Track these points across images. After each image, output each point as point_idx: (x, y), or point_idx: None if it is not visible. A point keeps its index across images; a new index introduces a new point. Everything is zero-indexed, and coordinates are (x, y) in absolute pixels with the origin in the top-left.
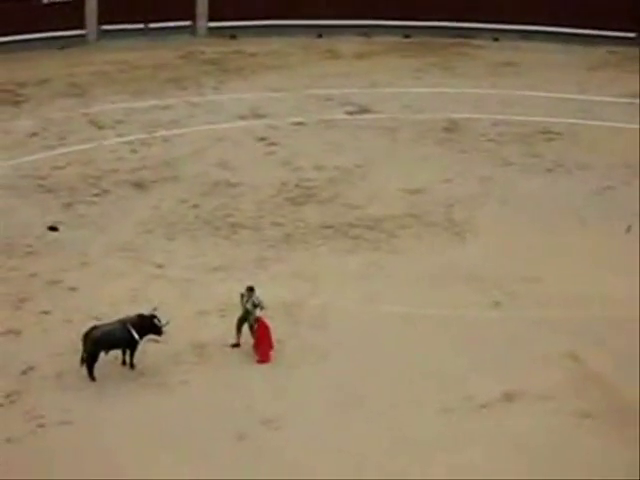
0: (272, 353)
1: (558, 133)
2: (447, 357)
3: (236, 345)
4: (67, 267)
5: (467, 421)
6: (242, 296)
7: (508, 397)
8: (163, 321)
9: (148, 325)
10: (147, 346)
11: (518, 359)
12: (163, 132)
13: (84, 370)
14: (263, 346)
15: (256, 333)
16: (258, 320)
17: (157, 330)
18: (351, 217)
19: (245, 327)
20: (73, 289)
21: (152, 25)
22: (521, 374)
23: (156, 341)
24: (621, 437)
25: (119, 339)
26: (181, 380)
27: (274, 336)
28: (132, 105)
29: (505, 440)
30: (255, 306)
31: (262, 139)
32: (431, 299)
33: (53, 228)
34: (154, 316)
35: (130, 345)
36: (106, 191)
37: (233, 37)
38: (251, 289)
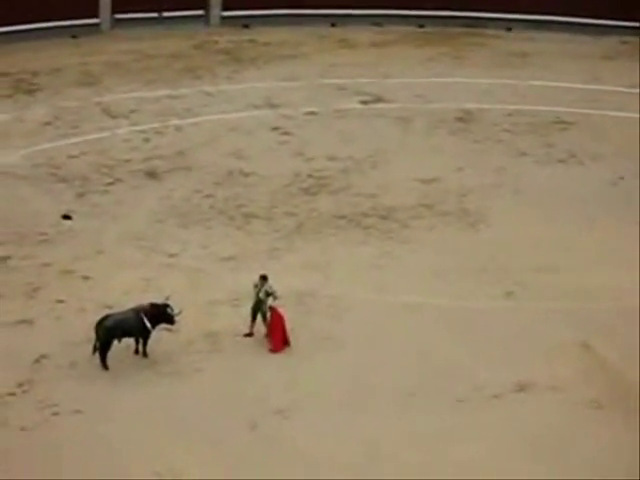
0: (284, 344)
1: (571, 123)
2: (459, 347)
3: (249, 334)
4: (80, 256)
5: (478, 411)
6: (255, 285)
7: (519, 387)
8: (176, 310)
9: (161, 314)
10: (160, 335)
11: (529, 349)
12: (176, 121)
13: (97, 359)
14: (276, 336)
15: (269, 322)
16: (272, 309)
17: (170, 319)
18: (364, 207)
19: (258, 316)
20: (86, 278)
21: (165, 14)
22: (532, 364)
23: (169, 330)
24: (630, 426)
25: (132, 328)
26: (194, 369)
27: (287, 326)
28: (145, 94)
29: (516, 430)
30: (268, 295)
31: (275, 129)
32: (443, 289)
33: (67, 217)
34: (167, 305)
35: (143, 334)
36: (119, 180)
37: (246, 26)
38: (264, 278)
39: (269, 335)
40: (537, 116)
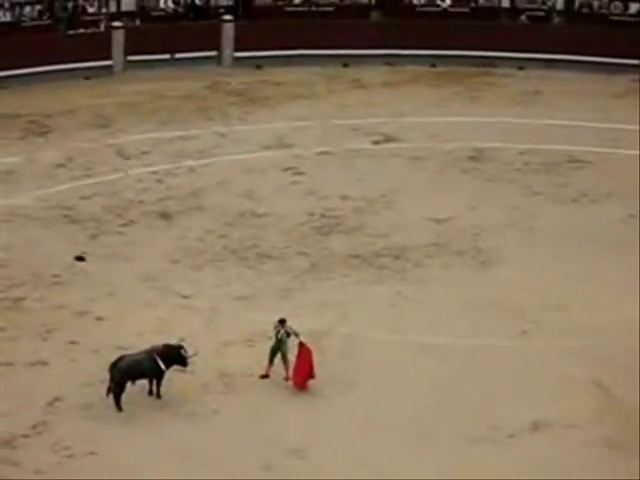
0: (309, 377)
1: (584, 162)
2: (474, 386)
3: (265, 376)
4: (94, 297)
5: (493, 451)
6: (274, 327)
7: (534, 426)
8: (190, 352)
9: (175, 355)
10: (174, 376)
11: (544, 388)
12: (189, 162)
13: (111, 400)
14: (302, 370)
15: (297, 357)
16: (301, 345)
17: (183, 361)
18: (377, 247)
19: (277, 359)
20: (100, 319)
21: (178, 55)
22: (547, 403)
23: (182, 371)
24: None
25: (146, 369)
26: (208, 410)
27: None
28: (158, 135)
29: (532, 470)
30: (289, 335)
31: (288, 169)
32: (458, 328)
33: (80, 258)
34: (181, 346)
35: (157, 375)
36: (132, 221)
37: (259, 67)
38: (282, 321)
39: (295, 370)
40: (550, 155)
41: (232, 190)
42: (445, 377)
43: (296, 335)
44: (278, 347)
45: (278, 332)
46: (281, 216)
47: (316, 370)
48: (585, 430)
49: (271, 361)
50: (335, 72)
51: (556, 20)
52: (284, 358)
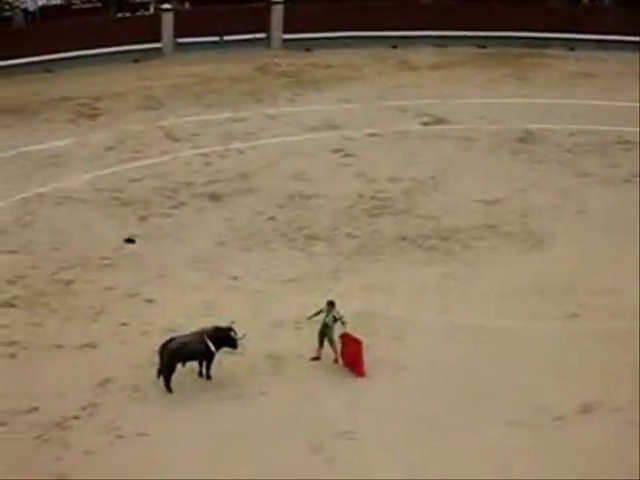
0: (365, 368)
1: (634, 143)
2: (523, 369)
3: (316, 358)
4: (143, 280)
5: (541, 433)
6: (312, 316)
7: (584, 409)
8: (239, 334)
9: (224, 337)
10: (223, 357)
11: (594, 371)
12: (238, 144)
13: (161, 382)
14: (356, 362)
15: (345, 350)
16: (346, 336)
17: (233, 343)
18: (426, 228)
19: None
20: (149, 301)
21: (227, 37)
22: (598, 386)
23: (232, 353)
24: None
25: (196, 351)
26: (257, 392)
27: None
28: (207, 117)
29: (580, 452)
30: (335, 320)
31: (337, 151)
32: (506, 310)
33: (130, 241)
34: (231, 329)
35: (206, 357)
36: (182, 203)
37: (308, 49)
38: (331, 303)
39: (346, 362)
40: (600, 136)
41: (281, 172)
42: (494, 359)
43: (343, 322)
44: (325, 332)
45: (326, 316)
46: (330, 198)
47: (365, 352)
48: (633, 413)
49: (321, 343)
50: (384, 54)
51: (607, 0)
52: (331, 342)
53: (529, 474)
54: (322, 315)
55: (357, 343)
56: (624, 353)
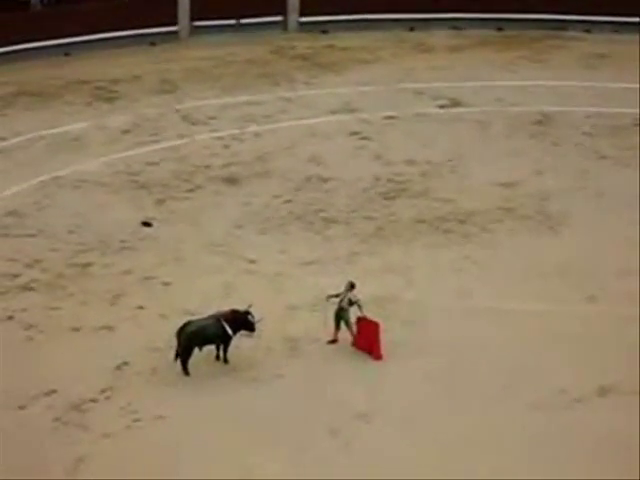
0: (382, 352)
1: None
2: (541, 351)
3: (333, 341)
4: (161, 263)
5: (561, 415)
6: (330, 296)
7: (601, 392)
8: (256, 317)
9: (241, 321)
10: (240, 341)
11: (612, 353)
12: (255, 127)
13: (178, 365)
14: (374, 345)
15: (362, 333)
16: (362, 319)
17: (250, 326)
18: (443, 211)
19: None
20: (167, 284)
21: (244, 21)
22: (614, 369)
23: (249, 336)
24: None
25: (213, 334)
26: (274, 374)
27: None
28: (224, 101)
29: (599, 434)
30: (352, 303)
31: (354, 133)
32: (524, 293)
33: (147, 224)
34: (248, 312)
35: (224, 340)
36: (199, 187)
37: (324, 32)
38: (352, 285)
39: (362, 346)
40: (617, 118)
41: (298, 155)
42: (511, 342)
43: (359, 306)
44: (341, 314)
45: (342, 299)
46: (347, 181)
47: (382, 336)
48: None
49: (337, 326)
50: (401, 36)
51: None
52: (347, 325)
53: (547, 457)
54: (339, 298)
55: (374, 325)
56: None
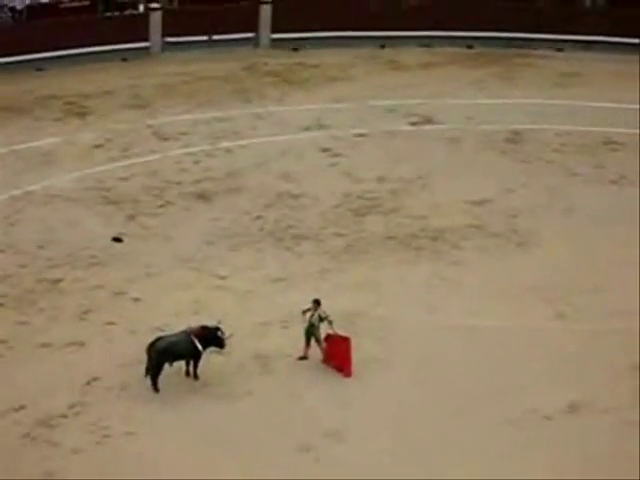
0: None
1: (622, 144)
2: (510, 369)
3: (303, 358)
4: (131, 278)
5: (530, 432)
6: (306, 311)
7: (573, 409)
8: (226, 334)
9: (212, 337)
10: (210, 357)
11: (582, 371)
12: (226, 143)
13: (148, 381)
14: (344, 361)
15: (331, 350)
16: (332, 336)
17: (220, 342)
18: (414, 228)
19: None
20: (137, 300)
21: (215, 37)
22: (586, 386)
23: (219, 352)
24: None
25: (183, 350)
26: (244, 391)
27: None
28: (195, 116)
29: (569, 451)
30: (322, 320)
31: (325, 150)
32: (494, 310)
33: (117, 239)
34: (218, 328)
35: (194, 356)
36: (170, 202)
37: (296, 49)
38: (317, 302)
39: (330, 362)
40: (587, 137)
41: (269, 171)
42: (481, 359)
43: (329, 322)
44: (311, 331)
45: (312, 315)
46: (318, 197)
47: (352, 352)
48: (622, 413)
49: (308, 343)
50: (372, 54)
51: (596, 1)
52: (318, 341)
53: (518, 473)
54: (309, 314)
55: (345, 341)
56: (612, 353)
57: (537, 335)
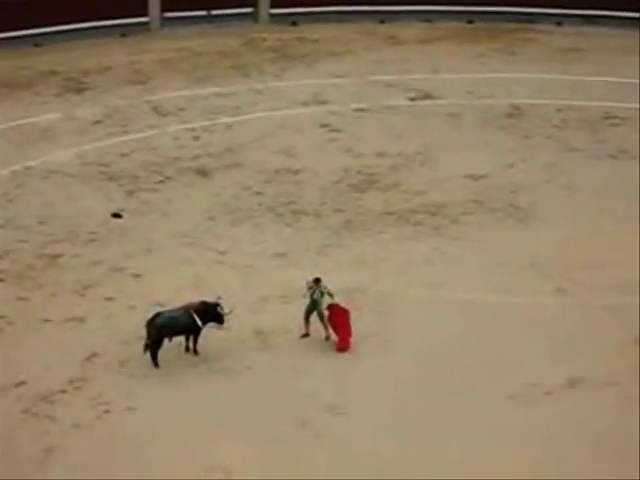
0: (351, 340)
1: (622, 118)
2: (510, 344)
3: (306, 335)
4: (131, 254)
5: (531, 407)
6: (309, 287)
7: (572, 384)
8: (226, 310)
9: (211, 313)
10: (210, 332)
11: (582, 346)
12: (225, 119)
13: (148, 356)
14: (343, 332)
15: (334, 320)
16: (333, 306)
17: (219, 318)
18: (413, 203)
19: (314, 317)
20: (137, 276)
21: (214, 12)
22: (585, 361)
23: (218, 328)
24: None
25: (182, 325)
26: (244, 366)
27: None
28: (194, 92)
29: (570, 426)
30: (323, 295)
31: (324, 125)
32: (494, 286)
33: (117, 215)
34: (217, 304)
35: (193, 331)
36: (169, 178)
37: (295, 24)
38: (317, 280)
39: (336, 333)
40: (588, 111)
41: (268, 147)
42: (481, 335)
43: (330, 295)
44: (313, 307)
45: (313, 292)
46: (317, 173)
47: (352, 328)
48: (622, 387)
49: (307, 320)
50: (371, 29)
51: None
52: (321, 318)
53: (520, 448)
54: (309, 292)
55: (345, 313)
56: (613, 328)
57: (537, 310)
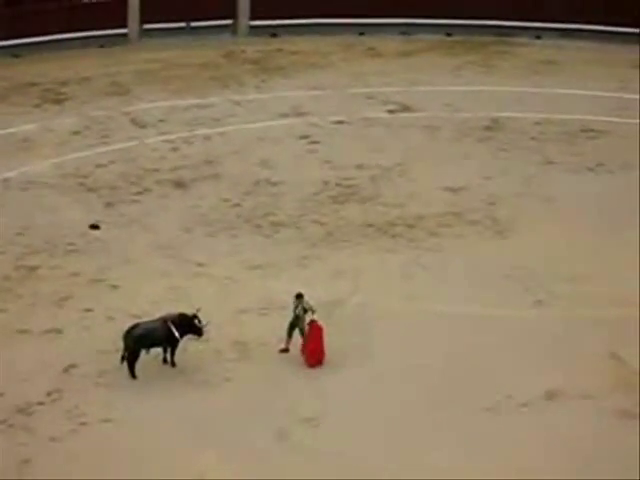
0: (323, 357)
1: (600, 131)
2: (488, 356)
3: (285, 350)
4: (109, 265)
5: (508, 419)
6: (293, 302)
7: (549, 396)
8: (204, 322)
9: (189, 324)
10: (188, 344)
11: (559, 358)
12: (204, 131)
13: (125, 368)
14: (312, 348)
15: (307, 335)
16: (312, 323)
17: (197, 330)
18: (392, 216)
19: (296, 333)
20: (115, 287)
21: (194, 24)
22: (562, 373)
23: (196, 340)
24: None
25: (160, 337)
26: (222, 378)
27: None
28: (173, 104)
29: (546, 439)
30: (305, 311)
31: (303, 137)
32: (472, 298)
33: (95, 227)
34: (195, 316)
35: (171, 343)
36: (148, 190)
37: (274, 35)
38: (299, 296)
39: (305, 348)
40: (566, 125)
41: (247, 158)
42: (459, 347)
43: (312, 312)
44: (295, 323)
45: (296, 307)
46: (296, 185)
47: (330, 339)
48: (600, 400)
49: (290, 335)
50: (351, 41)
51: None
52: (302, 333)
53: (493, 460)
54: (293, 307)
55: (317, 330)
56: (590, 341)
57: (515, 322)
